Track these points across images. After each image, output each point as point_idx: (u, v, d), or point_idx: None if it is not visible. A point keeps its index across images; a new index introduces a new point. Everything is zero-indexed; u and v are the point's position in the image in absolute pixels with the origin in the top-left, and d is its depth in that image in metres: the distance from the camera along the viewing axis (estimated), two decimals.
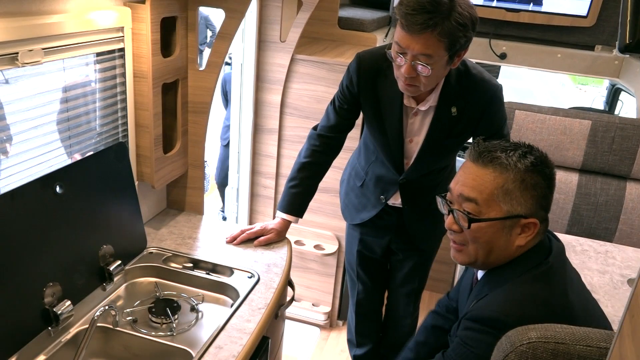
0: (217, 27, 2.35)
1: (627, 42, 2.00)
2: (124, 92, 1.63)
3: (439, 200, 1.28)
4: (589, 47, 2.93)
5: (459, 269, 2.56)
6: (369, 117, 1.79)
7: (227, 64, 3.99)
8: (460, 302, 1.41)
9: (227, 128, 4.30)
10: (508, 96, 1.89)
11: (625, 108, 3.52)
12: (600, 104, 3.88)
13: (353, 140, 2.03)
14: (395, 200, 1.91)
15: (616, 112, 3.54)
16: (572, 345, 0.92)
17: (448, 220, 1.24)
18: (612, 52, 2.88)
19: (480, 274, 1.28)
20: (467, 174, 1.20)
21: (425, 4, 1.41)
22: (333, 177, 2.19)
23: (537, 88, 11.96)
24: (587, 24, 2.82)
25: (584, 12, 2.80)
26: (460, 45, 1.50)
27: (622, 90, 3.33)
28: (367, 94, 1.74)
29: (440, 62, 1.51)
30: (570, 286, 1.15)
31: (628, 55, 2.78)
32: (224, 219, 4.31)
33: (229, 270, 1.67)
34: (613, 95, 3.50)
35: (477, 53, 3.05)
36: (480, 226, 1.17)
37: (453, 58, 1.54)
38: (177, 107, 1.84)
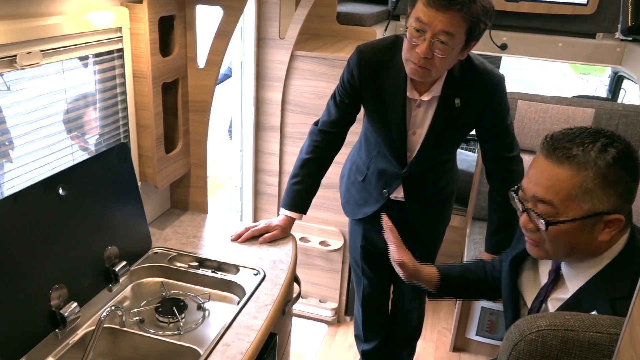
0: None
1: (630, 24, 2.00)
2: (124, 93, 1.63)
3: (511, 195, 1.18)
4: (590, 35, 2.91)
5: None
6: (371, 110, 1.78)
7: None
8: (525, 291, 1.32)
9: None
10: (510, 88, 1.87)
11: (628, 96, 3.50)
12: (602, 93, 3.85)
13: (354, 135, 2.02)
14: (398, 194, 1.90)
15: (619, 100, 3.51)
16: (582, 332, 0.92)
17: (522, 219, 1.15)
18: (613, 39, 2.86)
19: (566, 269, 1.19)
20: (540, 172, 1.10)
21: None
22: (337, 173, 2.18)
23: (539, 79, 11.92)
24: (587, 11, 2.81)
25: (584, 0, 2.78)
26: (478, 33, 1.51)
27: (624, 77, 3.31)
28: (369, 86, 1.73)
29: (457, 47, 1.50)
30: None
31: (630, 39, 2.75)
32: None
33: (235, 268, 1.67)
34: (616, 83, 3.48)
35: (477, 44, 3.03)
36: (559, 228, 1.08)
37: (467, 46, 1.53)
38: (177, 106, 1.83)
